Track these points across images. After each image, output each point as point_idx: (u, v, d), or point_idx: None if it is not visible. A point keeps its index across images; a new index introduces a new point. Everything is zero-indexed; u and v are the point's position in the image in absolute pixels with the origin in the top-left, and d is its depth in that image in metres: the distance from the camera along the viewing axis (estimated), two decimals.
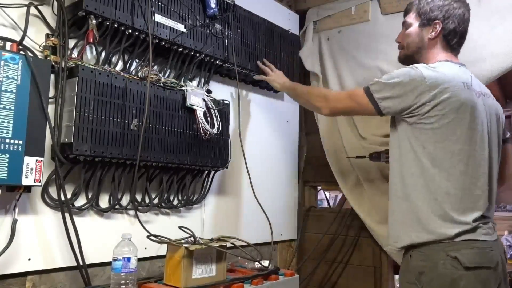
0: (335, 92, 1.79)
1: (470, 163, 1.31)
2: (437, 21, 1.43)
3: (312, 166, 2.33)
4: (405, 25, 1.53)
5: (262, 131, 2.11)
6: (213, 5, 1.68)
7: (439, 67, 1.37)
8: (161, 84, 1.52)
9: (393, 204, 1.41)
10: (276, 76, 1.88)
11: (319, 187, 2.49)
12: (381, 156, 1.74)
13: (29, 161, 1.16)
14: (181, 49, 1.58)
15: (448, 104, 1.30)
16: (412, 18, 1.50)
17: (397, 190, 1.39)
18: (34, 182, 1.17)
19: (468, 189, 1.31)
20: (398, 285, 1.45)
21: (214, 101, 1.69)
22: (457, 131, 1.30)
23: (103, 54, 1.42)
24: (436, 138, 1.31)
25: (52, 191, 1.31)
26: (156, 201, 1.58)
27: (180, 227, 1.48)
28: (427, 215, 1.30)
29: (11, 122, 1.14)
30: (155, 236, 1.46)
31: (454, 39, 1.45)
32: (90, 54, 1.41)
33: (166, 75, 1.62)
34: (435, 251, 1.27)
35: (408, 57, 1.51)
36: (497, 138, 1.43)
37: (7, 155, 1.12)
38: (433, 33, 1.44)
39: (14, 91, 1.15)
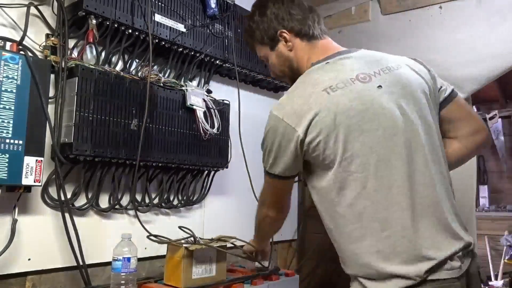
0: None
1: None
2: (279, 31, 1.20)
3: None
4: (264, 60, 1.29)
5: (262, 131, 2.10)
6: (213, 5, 1.68)
7: (297, 89, 1.10)
8: (161, 84, 1.52)
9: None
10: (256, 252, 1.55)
11: None
12: None
13: (29, 161, 1.16)
14: (181, 49, 1.58)
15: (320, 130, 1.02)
16: (260, 50, 1.27)
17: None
18: (34, 182, 1.17)
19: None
20: None
21: (214, 101, 1.69)
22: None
23: (103, 54, 1.42)
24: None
25: (52, 191, 1.31)
26: (156, 201, 1.58)
27: (180, 227, 1.48)
28: None
29: (11, 122, 1.14)
30: (155, 236, 1.46)
31: (307, 29, 1.20)
32: (90, 54, 1.41)
33: (166, 75, 1.62)
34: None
35: (292, 79, 1.19)
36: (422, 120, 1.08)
37: (7, 155, 1.12)
38: (289, 43, 1.20)
39: (14, 91, 1.15)
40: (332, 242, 1.15)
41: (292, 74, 1.23)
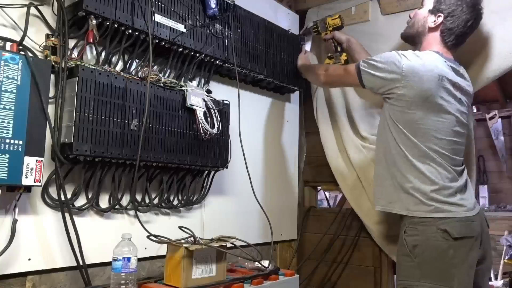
0: (334, 66, 1.88)
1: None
2: (441, 14, 1.53)
3: (312, 166, 2.34)
4: (423, 3, 1.61)
5: (262, 131, 2.11)
6: (213, 5, 1.68)
7: (424, 55, 1.49)
8: (161, 84, 1.52)
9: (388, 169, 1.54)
10: (302, 57, 2.11)
11: (319, 187, 2.49)
12: (310, 31, 2.12)
13: (29, 161, 1.16)
14: (181, 49, 1.59)
15: (414, 92, 1.44)
16: (430, 1, 1.58)
17: (388, 157, 1.53)
18: (34, 182, 1.17)
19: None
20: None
21: (214, 101, 1.69)
22: (421, 114, 1.46)
23: (103, 54, 1.42)
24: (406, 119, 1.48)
25: (52, 191, 1.31)
26: (156, 201, 1.58)
27: (180, 227, 1.48)
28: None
29: (11, 122, 1.14)
30: (155, 236, 1.46)
31: (449, 37, 1.54)
32: (90, 54, 1.41)
33: (166, 75, 1.62)
34: (427, 227, 1.42)
35: (408, 36, 1.66)
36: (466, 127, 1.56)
37: (7, 155, 1.12)
38: (432, 24, 1.55)
39: (14, 91, 1.15)
40: None
41: (414, 34, 1.62)
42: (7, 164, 1.12)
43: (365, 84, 1.56)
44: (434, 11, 1.55)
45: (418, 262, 1.41)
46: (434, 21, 1.54)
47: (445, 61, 1.51)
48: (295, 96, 2.34)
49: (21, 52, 1.21)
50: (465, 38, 1.57)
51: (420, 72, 1.44)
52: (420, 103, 1.45)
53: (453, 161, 1.49)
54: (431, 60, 1.48)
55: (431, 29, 1.56)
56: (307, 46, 2.23)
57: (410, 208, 1.46)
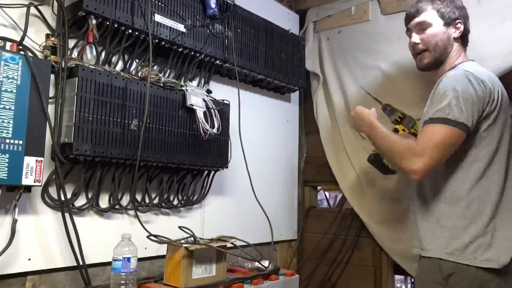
0: (415, 146, 1.32)
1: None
2: (459, 20, 1.44)
3: (312, 166, 2.34)
4: (422, 25, 1.45)
5: (262, 131, 2.11)
6: (213, 5, 1.68)
7: (480, 70, 1.35)
8: (161, 84, 1.52)
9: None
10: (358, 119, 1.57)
11: (319, 187, 2.49)
12: (393, 113, 1.64)
13: (29, 161, 1.16)
14: (181, 49, 1.59)
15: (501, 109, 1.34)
16: (432, 17, 1.44)
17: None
18: (34, 182, 1.17)
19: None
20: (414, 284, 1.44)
21: (214, 101, 1.69)
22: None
23: (103, 54, 1.42)
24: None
25: (52, 191, 1.31)
26: (156, 201, 1.58)
27: (180, 227, 1.48)
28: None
29: (11, 122, 1.14)
30: (155, 236, 1.46)
31: (467, 39, 1.50)
32: (90, 54, 1.41)
33: (166, 75, 1.62)
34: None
35: (436, 60, 1.45)
36: None
37: (7, 155, 1.12)
38: (457, 33, 1.45)
39: (14, 91, 1.15)
40: None
41: (441, 53, 1.44)
42: (7, 164, 1.12)
43: (471, 127, 1.29)
44: (450, 22, 1.44)
45: None
46: (457, 30, 1.45)
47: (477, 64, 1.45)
48: (295, 96, 2.34)
49: (21, 52, 1.21)
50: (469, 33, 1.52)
51: (495, 90, 1.34)
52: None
53: None
54: (485, 71, 1.38)
55: (455, 40, 1.46)
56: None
57: None
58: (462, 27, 1.45)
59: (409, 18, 1.52)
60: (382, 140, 1.41)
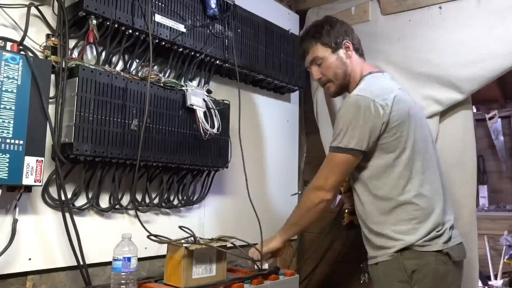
0: (312, 183, 1.51)
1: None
2: (344, 40, 1.52)
3: (312, 166, 2.34)
4: (316, 61, 1.53)
5: (262, 131, 2.11)
6: (213, 5, 1.68)
7: (372, 89, 1.41)
8: (161, 84, 1.52)
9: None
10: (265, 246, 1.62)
11: None
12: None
13: (30, 161, 1.16)
14: (181, 49, 1.59)
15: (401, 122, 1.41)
16: (319, 51, 1.52)
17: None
18: (35, 182, 1.17)
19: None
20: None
21: (214, 101, 1.69)
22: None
23: (103, 54, 1.42)
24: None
25: (53, 191, 1.31)
26: (156, 201, 1.58)
27: (180, 227, 1.48)
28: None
29: (12, 122, 1.14)
30: (155, 236, 1.46)
31: (360, 48, 1.57)
32: (90, 54, 1.41)
33: (166, 75, 1.62)
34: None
35: (342, 86, 1.54)
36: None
37: (8, 155, 1.13)
38: (348, 51, 1.52)
39: (15, 91, 1.15)
40: None
41: (343, 77, 1.52)
42: (7, 164, 1.12)
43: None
44: (336, 47, 1.51)
45: None
46: (347, 50, 1.52)
47: (383, 74, 1.56)
48: (295, 96, 2.34)
49: (22, 52, 1.21)
50: (360, 43, 1.59)
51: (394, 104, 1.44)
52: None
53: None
54: (385, 83, 1.49)
55: (350, 59, 1.53)
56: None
57: None
58: (350, 45, 1.52)
59: (301, 58, 1.61)
60: (296, 223, 1.59)
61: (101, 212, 1.43)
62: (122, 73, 1.43)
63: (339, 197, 2.98)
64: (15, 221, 1.20)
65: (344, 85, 1.54)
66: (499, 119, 4.55)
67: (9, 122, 1.13)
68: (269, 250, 1.61)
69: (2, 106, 1.12)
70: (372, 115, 1.35)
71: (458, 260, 1.38)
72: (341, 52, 1.51)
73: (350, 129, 1.36)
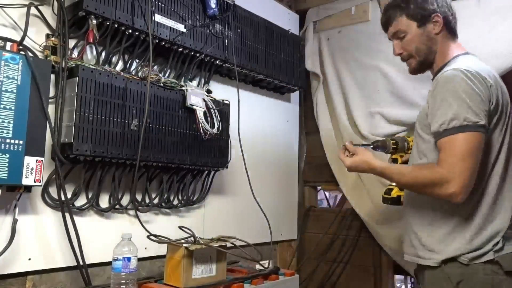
0: (441, 170, 1.18)
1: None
2: (435, 14, 1.32)
3: (312, 166, 2.34)
4: (398, 34, 1.38)
5: (262, 131, 2.11)
6: (213, 5, 1.68)
7: (479, 66, 1.25)
8: (161, 84, 1.52)
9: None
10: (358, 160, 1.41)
11: (319, 187, 2.49)
12: (386, 146, 1.52)
13: (30, 161, 1.16)
14: (181, 49, 1.59)
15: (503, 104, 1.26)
16: (402, 24, 1.36)
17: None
18: (34, 182, 1.17)
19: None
20: None
21: (214, 101, 1.69)
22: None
23: (103, 54, 1.42)
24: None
25: (53, 191, 1.31)
26: (156, 201, 1.58)
27: (180, 227, 1.48)
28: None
29: (12, 122, 1.14)
30: (155, 236, 1.46)
31: (455, 25, 1.37)
32: (90, 54, 1.41)
33: (166, 75, 1.62)
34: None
35: (423, 63, 1.38)
36: None
37: (8, 155, 1.12)
38: (436, 28, 1.33)
39: (15, 91, 1.15)
40: None
41: (427, 54, 1.36)
42: (7, 164, 1.12)
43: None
44: (424, 20, 1.33)
45: None
46: (435, 26, 1.33)
47: (475, 57, 1.35)
48: (295, 96, 2.34)
49: (21, 52, 1.21)
50: (455, 18, 1.38)
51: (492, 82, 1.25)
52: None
53: None
54: (480, 65, 1.28)
55: (438, 35, 1.34)
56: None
57: None
58: (440, 19, 1.32)
59: (384, 28, 1.44)
60: (401, 177, 1.29)
61: (101, 212, 1.43)
62: (122, 73, 1.43)
63: (339, 197, 2.98)
64: (15, 221, 1.20)
65: (428, 63, 1.37)
66: None
67: (9, 122, 1.13)
68: (358, 159, 1.39)
69: (2, 106, 1.12)
70: (485, 91, 1.17)
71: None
72: (429, 26, 1.33)
73: (471, 103, 1.15)
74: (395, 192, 1.51)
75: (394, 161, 1.54)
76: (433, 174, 1.18)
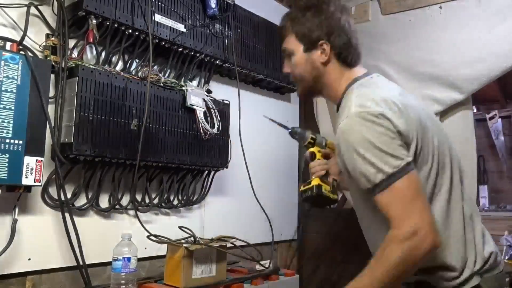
0: (397, 233, 0.97)
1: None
2: (322, 41, 1.15)
3: None
4: (286, 52, 1.23)
5: (262, 131, 2.11)
6: (213, 5, 1.68)
7: (371, 91, 1.09)
8: (161, 84, 1.52)
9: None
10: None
11: None
12: (304, 137, 1.41)
13: (29, 161, 1.16)
14: (181, 49, 1.59)
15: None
16: (291, 43, 1.20)
17: None
18: (34, 182, 1.17)
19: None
20: None
21: (214, 101, 1.69)
22: None
23: (103, 54, 1.42)
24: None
25: (52, 191, 1.31)
26: (156, 201, 1.58)
27: (180, 227, 1.48)
28: None
29: (11, 122, 1.14)
30: (155, 236, 1.46)
31: (349, 55, 1.16)
32: (90, 54, 1.41)
33: (166, 75, 1.62)
34: None
35: (310, 91, 1.24)
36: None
37: (7, 155, 1.12)
38: (323, 56, 1.16)
39: (14, 91, 1.15)
40: None
41: (312, 83, 1.20)
42: (7, 164, 1.12)
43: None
44: (310, 46, 1.16)
45: None
46: (321, 53, 1.15)
47: (377, 76, 1.19)
48: (295, 96, 2.34)
49: (21, 52, 1.20)
50: (359, 45, 1.19)
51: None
52: None
53: None
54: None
55: (326, 64, 1.16)
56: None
57: None
58: (327, 48, 1.15)
59: (281, 38, 1.28)
60: (373, 281, 1.08)
61: (101, 212, 1.43)
62: (122, 73, 1.43)
63: (340, 195, 2.98)
64: (14, 221, 1.20)
65: (316, 91, 1.23)
66: (500, 119, 4.54)
67: (8, 122, 1.13)
68: None
69: (1, 106, 1.12)
70: (393, 122, 0.99)
71: None
72: (315, 54, 1.16)
73: (384, 146, 0.98)
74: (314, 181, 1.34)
75: (312, 155, 1.40)
76: (396, 244, 0.96)
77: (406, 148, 1.00)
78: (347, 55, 1.16)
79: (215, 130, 1.63)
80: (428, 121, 1.08)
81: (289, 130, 1.43)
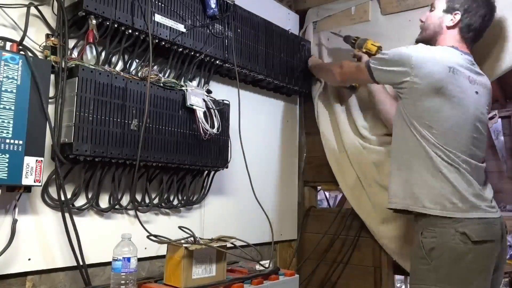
0: (347, 63, 1.83)
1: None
2: (457, 12, 1.55)
3: (312, 166, 2.33)
4: (432, 6, 1.63)
5: (262, 131, 2.11)
6: (213, 5, 1.68)
7: (436, 48, 1.52)
8: (161, 84, 1.52)
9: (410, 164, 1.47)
10: (312, 59, 2.21)
11: (319, 187, 2.49)
12: (349, 39, 2.01)
13: (29, 161, 1.16)
14: (181, 49, 1.59)
15: (425, 82, 1.43)
16: (438, 1, 1.61)
17: (401, 156, 1.50)
18: (34, 182, 1.17)
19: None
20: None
21: (214, 101, 1.69)
22: (435, 107, 1.44)
23: (103, 54, 1.42)
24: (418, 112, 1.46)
25: (52, 191, 1.31)
26: (156, 201, 1.58)
27: (180, 227, 1.48)
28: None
29: (11, 122, 1.14)
30: (155, 236, 1.46)
31: (468, 33, 1.56)
32: (90, 54, 1.41)
33: (166, 75, 1.62)
34: (445, 229, 1.37)
35: (426, 40, 1.61)
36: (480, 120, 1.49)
37: (7, 155, 1.12)
38: (450, 22, 1.56)
39: (14, 91, 1.15)
40: None
41: (429, 35, 1.62)
42: (7, 164, 1.12)
43: (377, 80, 1.60)
44: (449, 10, 1.56)
45: (435, 266, 1.35)
46: (452, 19, 1.56)
47: (462, 54, 1.51)
48: (295, 96, 2.34)
49: (21, 52, 1.21)
50: (482, 32, 1.58)
51: (429, 63, 1.44)
52: (432, 94, 1.42)
53: (473, 165, 1.43)
54: (443, 52, 1.49)
55: (449, 28, 1.56)
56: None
57: (426, 205, 1.40)
58: (457, 18, 1.54)
59: None
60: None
61: (101, 212, 1.43)
62: (122, 73, 1.43)
63: (339, 197, 2.98)
64: (14, 221, 1.20)
65: (427, 42, 1.60)
66: (499, 119, 4.54)
67: (8, 122, 1.13)
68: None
69: (1, 106, 1.12)
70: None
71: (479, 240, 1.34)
72: (448, 17, 1.57)
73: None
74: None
75: (368, 53, 1.91)
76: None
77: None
78: (465, 33, 1.56)
79: (215, 130, 1.64)
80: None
81: (343, 37, 2.05)
